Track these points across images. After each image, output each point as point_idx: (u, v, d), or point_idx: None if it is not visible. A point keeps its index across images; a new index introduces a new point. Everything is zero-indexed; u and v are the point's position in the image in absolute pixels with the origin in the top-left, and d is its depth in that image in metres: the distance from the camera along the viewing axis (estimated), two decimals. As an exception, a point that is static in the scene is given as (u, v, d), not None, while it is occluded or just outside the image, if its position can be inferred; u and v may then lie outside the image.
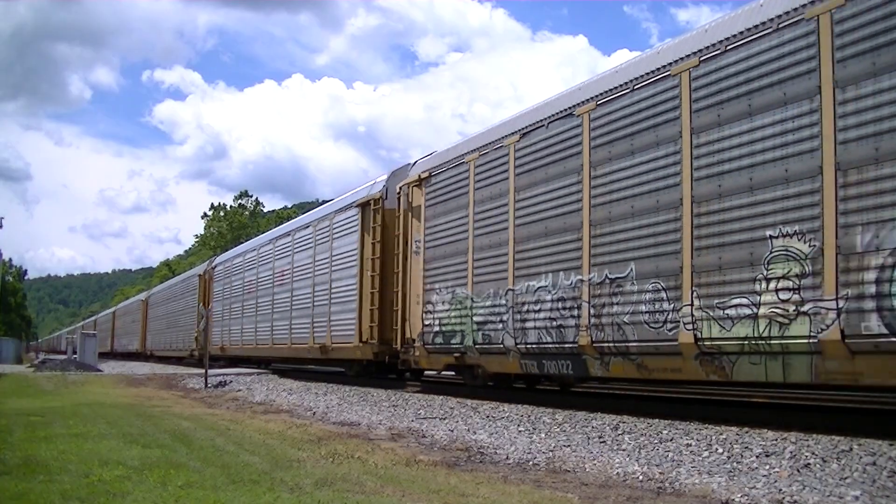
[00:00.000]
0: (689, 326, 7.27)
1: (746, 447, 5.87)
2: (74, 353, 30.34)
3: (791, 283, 6.43)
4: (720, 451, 5.90)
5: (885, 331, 5.68)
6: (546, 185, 9.46)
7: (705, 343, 7.14)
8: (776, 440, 5.98)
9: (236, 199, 73.03)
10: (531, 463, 6.14)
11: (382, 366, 14.30)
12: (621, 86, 8.46)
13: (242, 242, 31.91)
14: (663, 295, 7.66)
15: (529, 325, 9.57)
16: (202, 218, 71.03)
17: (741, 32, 7.11)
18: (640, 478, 5.37)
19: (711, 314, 7.09)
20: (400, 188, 13.23)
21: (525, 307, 9.67)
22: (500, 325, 10.10)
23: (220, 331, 23.83)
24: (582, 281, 8.73)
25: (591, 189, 8.69)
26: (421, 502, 4.53)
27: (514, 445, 6.93)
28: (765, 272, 6.64)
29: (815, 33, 6.37)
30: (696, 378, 7.66)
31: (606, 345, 8.38)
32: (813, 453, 5.46)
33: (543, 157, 9.57)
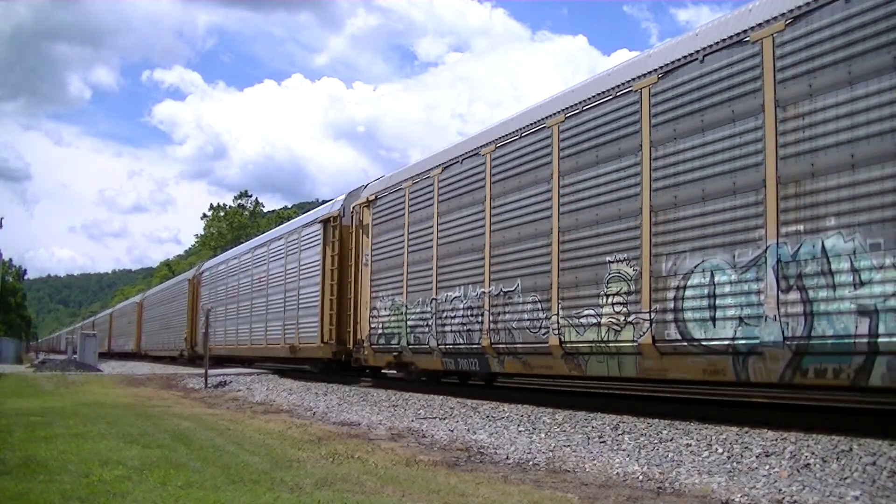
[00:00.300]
0: (556, 332, 9.00)
1: (746, 447, 5.87)
2: (74, 353, 30.34)
3: (621, 298, 8.16)
4: (720, 451, 5.91)
5: (679, 337, 7.43)
6: (459, 212, 11.23)
7: (567, 345, 8.87)
8: (776, 440, 5.98)
9: (236, 199, 73.06)
10: (531, 463, 6.15)
11: (341, 363, 15.96)
12: (513, 132, 10.29)
13: (242, 242, 32.49)
14: (539, 306, 9.38)
15: (448, 329, 11.33)
16: (202, 218, 71.06)
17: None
18: (640, 478, 5.38)
19: (571, 322, 8.83)
20: (353, 207, 15.16)
21: (444, 314, 11.46)
22: (427, 329, 11.89)
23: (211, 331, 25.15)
24: (484, 293, 10.49)
25: (492, 217, 10.44)
26: (421, 502, 4.53)
27: (514, 445, 6.94)
28: (605, 290, 8.38)
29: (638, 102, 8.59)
30: (562, 373, 9.43)
31: (501, 346, 10.06)
32: (813, 453, 5.46)
33: (458, 188, 11.37)
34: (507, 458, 6.42)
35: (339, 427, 8.69)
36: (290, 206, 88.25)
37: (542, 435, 7.42)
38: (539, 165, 9.61)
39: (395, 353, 13.03)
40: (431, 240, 11.90)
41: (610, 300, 8.30)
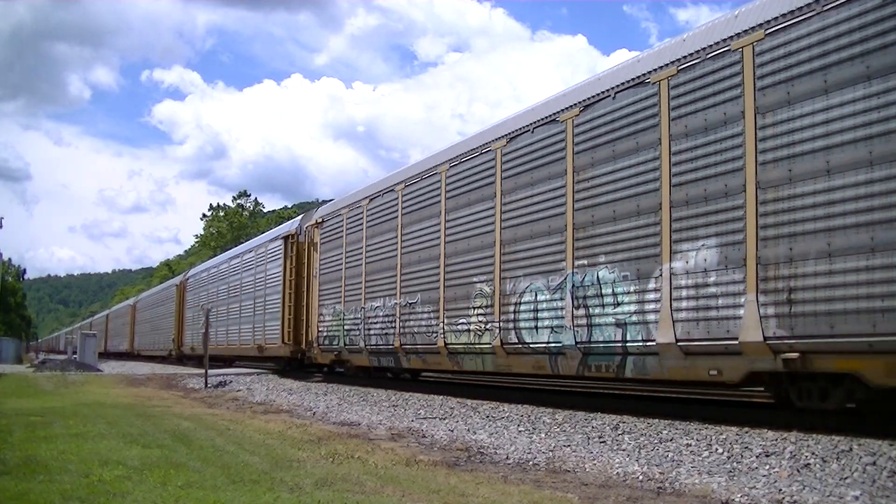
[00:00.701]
0: (442, 336, 11.34)
1: (746, 447, 5.87)
2: (74, 353, 30.38)
3: (483, 311, 10.42)
4: (720, 451, 5.90)
5: (517, 341, 9.71)
6: (381, 237, 13.71)
7: (449, 346, 11.22)
8: (776, 440, 5.98)
9: (235, 199, 73.01)
10: (531, 463, 6.15)
11: (298, 361, 18.58)
12: (417, 174, 12.56)
13: (242, 242, 33.02)
14: (432, 315, 11.71)
15: (372, 332, 13.75)
16: (202, 219, 71.01)
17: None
18: (640, 478, 5.38)
19: (451, 329, 11.16)
20: (306, 227, 17.77)
21: (370, 320, 13.88)
22: (358, 332, 14.34)
23: (191, 333, 27.98)
24: (396, 304, 12.90)
25: (402, 243, 12.89)
26: (421, 502, 4.53)
27: (514, 445, 6.94)
28: (473, 303, 10.64)
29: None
30: (448, 368, 12.01)
31: (408, 346, 12.49)
32: (813, 453, 5.46)
33: (380, 217, 13.85)
34: (507, 458, 6.41)
35: (339, 427, 8.69)
36: (290, 206, 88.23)
37: (542, 435, 7.42)
38: (433, 203, 11.95)
39: (336, 353, 15.50)
40: (361, 258, 14.51)
41: (475, 312, 10.60)
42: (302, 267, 17.66)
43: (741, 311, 6.74)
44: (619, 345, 8.08)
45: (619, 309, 8.10)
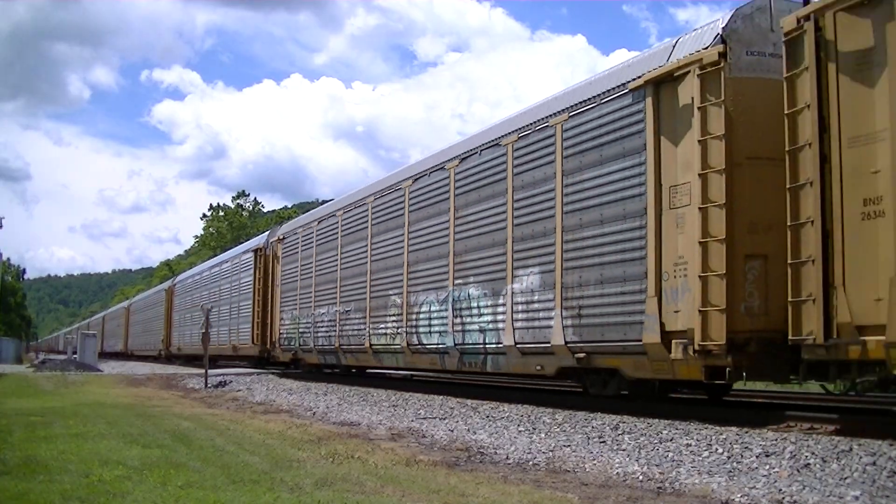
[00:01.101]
0: (368, 338, 13.91)
1: (746, 447, 5.87)
2: (74, 353, 30.43)
3: (395, 318, 12.91)
4: (720, 451, 5.90)
5: (417, 342, 12.21)
6: (327, 254, 16.34)
7: (373, 347, 13.81)
8: (776, 440, 5.98)
9: (234, 199, 72.93)
10: (531, 463, 6.14)
11: (265, 359, 21.45)
12: (352, 203, 15.44)
13: (242, 242, 33.53)
14: (361, 321, 14.29)
15: (320, 334, 16.33)
16: (201, 219, 70.94)
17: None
18: (640, 478, 5.38)
19: (375, 332, 13.73)
20: (271, 242, 20.67)
21: (318, 324, 16.44)
22: (309, 335, 16.85)
23: (178, 334, 31.11)
24: (337, 311, 15.45)
25: (342, 261, 15.46)
26: (421, 502, 4.53)
27: (514, 445, 6.93)
28: (389, 312, 13.14)
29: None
30: (373, 364, 15.14)
31: (345, 347, 15.10)
32: (813, 453, 5.45)
33: (326, 237, 16.54)
34: (507, 458, 6.41)
35: (339, 427, 8.69)
36: (290, 207, 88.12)
37: (542, 435, 7.41)
38: (363, 228, 14.59)
39: (293, 352, 18.19)
40: (312, 272, 17.02)
41: (391, 318, 13.07)
42: (268, 277, 20.56)
43: (552, 322, 9.07)
44: (482, 346, 10.49)
45: (481, 318, 10.52)
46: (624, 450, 6.40)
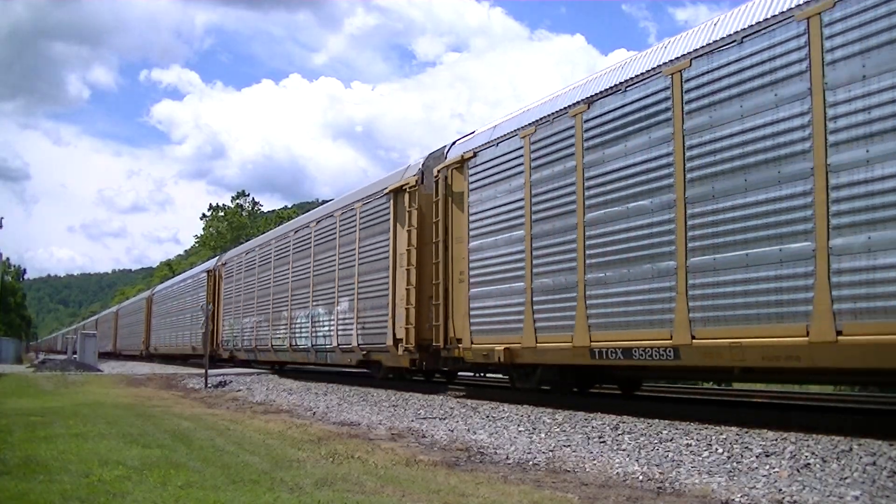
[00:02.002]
0: (270, 340, 18.87)
1: (746, 447, 5.87)
2: (74, 353, 30.48)
3: (285, 326, 17.85)
4: (720, 451, 5.90)
5: (296, 344, 17.21)
6: (249, 278, 21.54)
7: (273, 346, 18.69)
8: (776, 440, 5.98)
9: (233, 199, 72.85)
10: (531, 463, 6.14)
11: (212, 357, 25.07)
12: (278, 236, 20.31)
13: (242, 242, 34.50)
14: (266, 328, 19.32)
15: (245, 337, 21.44)
16: (201, 219, 70.85)
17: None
18: (640, 478, 5.37)
19: (274, 336, 18.59)
20: (218, 265, 26.03)
21: (245, 330, 21.59)
22: (240, 338, 22.00)
23: (155, 336, 35.95)
24: (254, 320, 20.42)
25: (257, 284, 20.55)
26: (421, 502, 4.53)
27: (514, 445, 6.93)
28: (282, 322, 18.28)
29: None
30: (274, 360, 20.17)
31: (258, 347, 20.13)
32: (813, 453, 5.45)
33: (249, 265, 21.87)
34: (507, 458, 6.41)
35: (339, 427, 8.69)
36: (289, 206, 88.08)
37: (542, 435, 7.41)
38: (267, 261, 20.20)
39: (230, 351, 23.40)
40: (241, 290, 22.49)
41: (282, 328, 18.29)
42: (216, 293, 25.50)
43: (352, 332, 14.36)
44: (324, 347, 15.70)
45: (324, 328, 15.76)
46: (624, 450, 6.40)
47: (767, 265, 6.47)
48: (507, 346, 9.69)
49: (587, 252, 8.45)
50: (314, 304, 16.19)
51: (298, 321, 17.05)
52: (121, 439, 7.17)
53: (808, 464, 5.25)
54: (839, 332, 5.90)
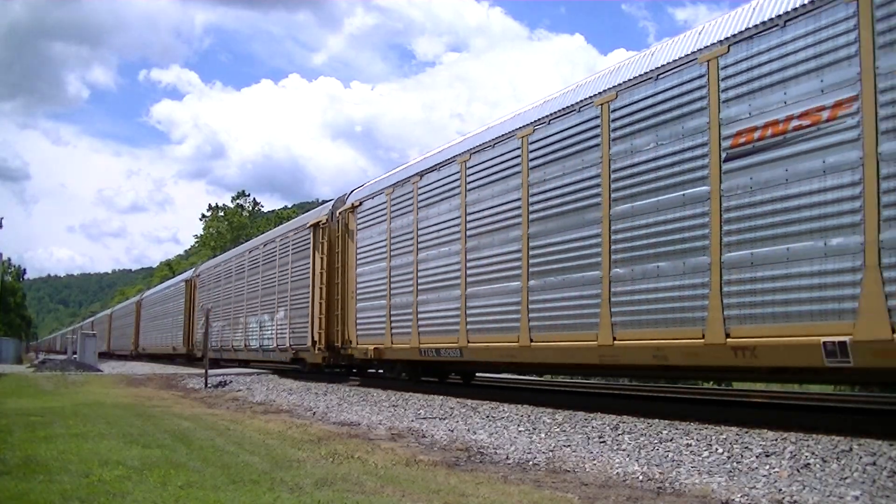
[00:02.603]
0: (232, 342, 22.94)
1: (746, 447, 5.87)
2: (74, 353, 30.51)
3: (242, 330, 22.08)
4: (720, 451, 5.90)
5: (249, 345, 21.47)
6: (217, 289, 25.28)
7: (233, 347, 22.74)
8: (776, 440, 5.98)
9: (234, 199, 72.84)
10: (531, 463, 6.14)
11: (190, 356, 29.48)
12: (220, 262, 27.06)
13: (242, 242, 35.13)
14: (228, 332, 23.15)
15: (214, 339, 22.61)
16: (201, 219, 70.83)
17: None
18: (640, 478, 5.37)
19: (233, 338, 22.85)
20: (194, 276, 29.67)
21: (216, 333, 23.31)
22: (211, 339, 22.16)
23: (143, 337, 39.75)
24: (220, 325, 23.41)
25: (222, 293, 24.59)
26: (421, 502, 4.53)
27: (514, 445, 6.93)
28: (239, 327, 22.62)
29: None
30: (234, 358, 23.76)
31: (223, 347, 23.62)
32: (813, 453, 5.45)
33: (218, 279, 25.59)
34: (507, 458, 6.41)
35: (339, 427, 8.69)
36: (290, 206, 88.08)
37: (542, 435, 7.41)
38: (228, 276, 24.19)
39: (201, 351, 25.84)
40: (210, 300, 25.05)
41: (239, 330, 22.20)
42: (192, 301, 28.94)
43: (285, 335, 17.77)
44: (269, 346, 19.32)
45: (267, 332, 19.52)
46: (624, 450, 6.40)
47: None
48: (377, 346, 13.29)
49: (419, 279, 11.91)
50: (262, 311, 20.17)
51: (251, 326, 21.27)
52: (121, 439, 7.17)
53: (808, 464, 5.26)
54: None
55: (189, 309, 29.10)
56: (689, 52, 7.39)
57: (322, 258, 15.84)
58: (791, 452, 5.55)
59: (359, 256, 14.27)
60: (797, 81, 6.36)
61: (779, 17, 6.59)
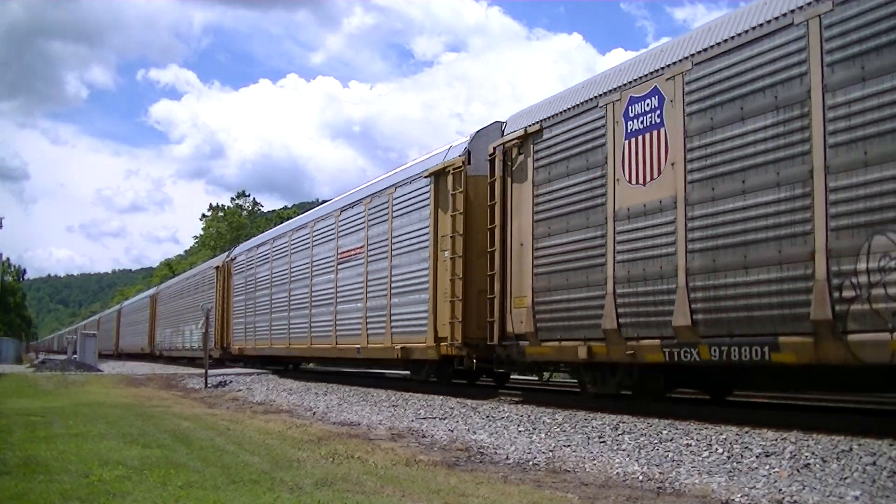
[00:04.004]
0: (182, 343, 29.58)
1: (746, 447, 5.87)
2: (74, 353, 30.52)
3: (183, 334, 29.39)
4: (720, 451, 5.90)
5: (186, 345, 28.95)
6: (171, 303, 33.34)
7: (184, 347, 29.58)
8: (776, 440, 5.98)
9: (233, 199, 72.87)
10: (531, 463, 6.14)
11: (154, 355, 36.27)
12: (176, 282, 36.06)
13: (242, 242, 34.59)
14: (178, 337, 30.41)
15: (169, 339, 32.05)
16: (200, 219, 70.85)
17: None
18: (640, 478, 5.38)
19: (178, 340, 30.44)
20: (157, 292, 37.62)
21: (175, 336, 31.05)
22: (173, 341, 30.93)
23: (123, 341, 45.80)
24: (171, 331, 32.00)
25: (174, 308, 32.53)
26: (421, 502, 4.53)
27: (514, 445, 6.93)
28: (183, 332, 29.62)
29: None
30: (185, 355, 29.49)
31: (171, 348, 32.24)
32: (813, 453, 5.45)
33: (173, 296, 33.30)
34: (507, 458, 6.41)
35: (339, 427, 8.69)
36: (289, 206, 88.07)
37: (542, 435, 7.41)
38: (177, 299, 32.18)
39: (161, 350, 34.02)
40: (165, 312, 33.43)
41: (182, 334, 29.17)
42: (155, 312, 35.57)
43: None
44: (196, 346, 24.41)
45: (194, 337, 25.53)
46: (624, 450, 6.40)
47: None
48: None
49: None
50: (195, 322, 21.74)
51: (186, 332, 24.94)
52: (121, 439, 7.17)
53: (808, 464, 5.26)
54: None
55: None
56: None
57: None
58: (791, 452, 5.55)
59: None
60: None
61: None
